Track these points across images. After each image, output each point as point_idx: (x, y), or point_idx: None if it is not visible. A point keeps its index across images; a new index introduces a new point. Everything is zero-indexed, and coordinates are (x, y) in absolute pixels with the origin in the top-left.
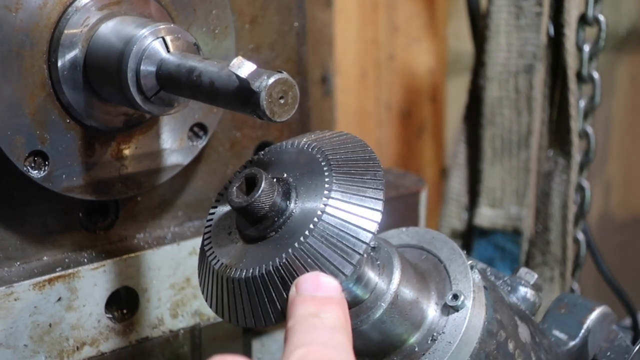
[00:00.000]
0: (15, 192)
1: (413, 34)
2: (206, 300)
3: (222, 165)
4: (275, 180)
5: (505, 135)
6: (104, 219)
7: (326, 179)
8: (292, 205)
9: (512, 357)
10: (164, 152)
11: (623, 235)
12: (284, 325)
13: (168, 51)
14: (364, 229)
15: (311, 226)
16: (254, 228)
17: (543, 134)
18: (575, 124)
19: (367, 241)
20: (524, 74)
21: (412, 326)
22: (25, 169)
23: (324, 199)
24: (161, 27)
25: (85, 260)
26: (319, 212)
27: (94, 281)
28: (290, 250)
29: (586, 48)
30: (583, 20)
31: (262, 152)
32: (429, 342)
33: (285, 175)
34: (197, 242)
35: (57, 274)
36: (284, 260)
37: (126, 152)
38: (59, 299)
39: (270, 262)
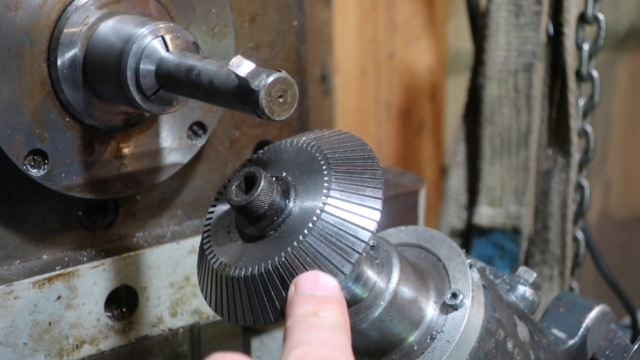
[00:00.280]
0: (15, 191)
1: (413, 33)
2: (205, 299)
3: (222, 164)
4: (274, 179)
5: (505, 134)
6: (104, 217)
7: (325, 178)
8: (291, 204)
9: (511, 355)
10: (163, 150)
11: (622, 234)
12: (283, 324)
13: (167, 50)
14: (363, 228)
15: (310, 225)
16: (253, 227)
17: (542, 133)
18: (575, 123)
19: (366, 240)
20: (524, 73)
21: (411, 325)
22: (24, 167)
23: (323, 197)
24: (160, 26)
25: (85, 258)
26: (318, 211)
27: (94, 280)
28: (289, 249)
29: (586, 47)
30: (582, 18)
31: (261, 151)
32: (428, 340)
33: (284, 174)
34: (196, 240)
35: (57, 272)
36: (283, 259)
37: (125, 150)
38: (59, 298)
39: (270, 261)
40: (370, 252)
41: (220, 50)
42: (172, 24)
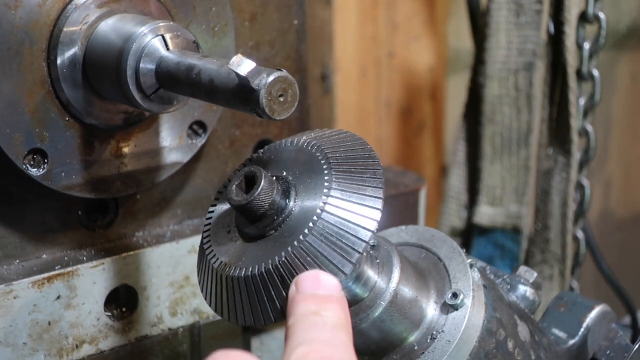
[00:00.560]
0: (15, 190)
1: (413, 32)
2: (205, 299)
3: (222, 163)
4: (274, 178)
5: (505, 133)
6: (103, 217)
7: (325, 177)
8: (291, 204)
9: (512, 355)
10: (163, 150)
11: (623, 234)
12: (284, 323)
13: (167, 49)
14: (364, 227)
15: (310, 224)
16: (253, 226)
17: (543, 132)
18: (575, 122)
19: (367, 239)
20: (524, 72)
21: (411, 325)
22: (24, 166)
23: (324, 197)
24: (160, 24)
25: (85, 258)
26: (319, 211)
27: (93, 279)
28: (289, 249)
29: (586, 46)
30: (583, 17)
31: (262, 150)
32: (429, 340)
33: (284, 173)
34: (196, 240)
35: (56, 272)
36: (283, 258)
37: (125, 150)
38: (58, 297)
39: (270, 261)
40: (371, 251)
41: (221, 49)
42: (172, 23)
